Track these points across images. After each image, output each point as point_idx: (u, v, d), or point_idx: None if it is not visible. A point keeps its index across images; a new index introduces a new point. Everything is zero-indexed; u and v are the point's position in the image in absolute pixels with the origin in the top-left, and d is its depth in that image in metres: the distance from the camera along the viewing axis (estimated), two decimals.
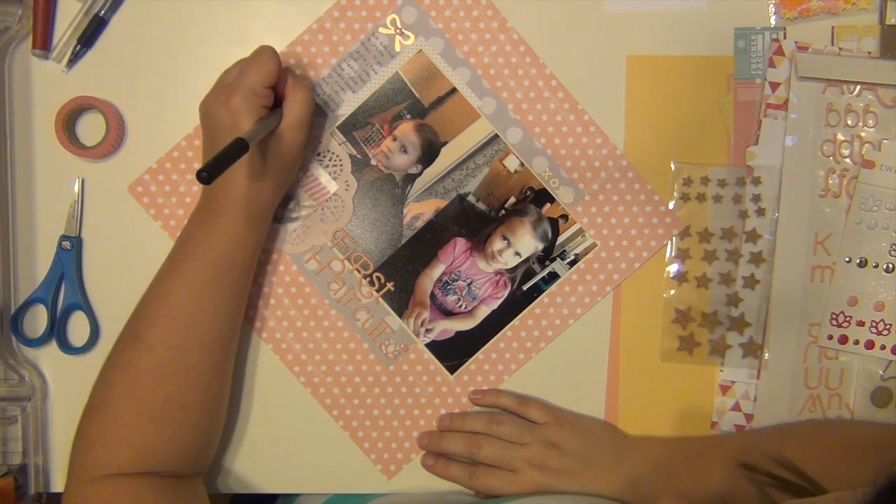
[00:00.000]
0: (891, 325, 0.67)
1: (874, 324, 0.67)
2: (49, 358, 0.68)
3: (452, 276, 0.68)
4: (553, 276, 0.68)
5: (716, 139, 0.68)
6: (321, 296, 0.68)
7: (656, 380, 0.69)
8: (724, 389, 0.68)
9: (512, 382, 0.69)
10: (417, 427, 0.69)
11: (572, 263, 0.68)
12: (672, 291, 0.68)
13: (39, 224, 0.68)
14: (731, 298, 0.68)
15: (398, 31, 0.67)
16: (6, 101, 0.66)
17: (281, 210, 0.67)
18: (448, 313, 0.69)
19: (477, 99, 0.68)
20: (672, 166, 0.68)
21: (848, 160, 0.67)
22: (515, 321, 0.69)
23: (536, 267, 0.68)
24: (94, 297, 0.68)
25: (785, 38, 0.67)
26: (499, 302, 0.69)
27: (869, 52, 0.66)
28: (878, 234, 0.67)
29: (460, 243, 0.68)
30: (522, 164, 0.68)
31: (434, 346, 0.69)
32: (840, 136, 0.67)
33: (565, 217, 0.68)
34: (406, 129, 0.68)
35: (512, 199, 0.68)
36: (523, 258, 0.68)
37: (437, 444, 0.67)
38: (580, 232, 0.68)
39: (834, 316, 0.67)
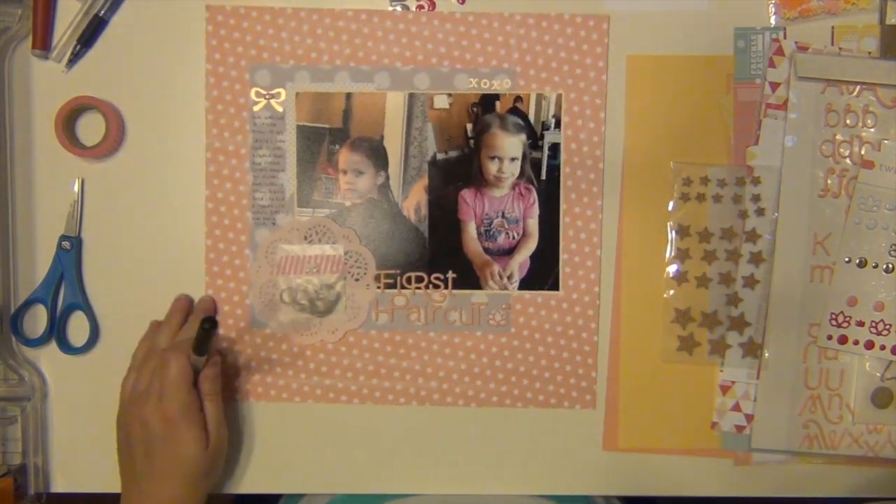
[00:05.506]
0: (890, 325, 0.67)
1: (874, 324, 0.67)
2: (49, 358, 0.68)
3: (486, 221, 0.68)
4: (555, 148, 0.68)
5: (716, 139, 0.68)
6: (414, 331, 0.68)
7: (656, 380, 0.69)
8: (724, 389, 0.68)
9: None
10: None
11: (558, 125, 0.68)
12: (672, 291, 0.68)
13: (39, 224, 0.68)
14: (730, 298, 0.68)
15: (267, 95, 0.67)
16: (6, 101, 0.66)
17: (324, 303, 0.68)
18: (510, 251, 0.69)
19: (369, 84, 0.67)
20: (672, 166, 0.68)
21: (847, 160, 0.67)
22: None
23: (536, 153, 0.68)
24: (94, 297, 0.68)
25: (785, 38, 0.67)
26: (535, 206, 0.68)
27: (869, 52, 0.66)
28: (878, 234, 0.67)
29: (467, 194, 0.68)
30: (450, 94, 0.68)
31: (526, 283, 0.68)
32: (839, 137, 0.67)
33: (519, 98, 0.68)
34: (345, 157, 0.68)
35: (469, 126, 0.68)
36: (520, 157, 0.68)
37: None
38: (539, 98, 0.68)
39: (834, 316, 0.67)
